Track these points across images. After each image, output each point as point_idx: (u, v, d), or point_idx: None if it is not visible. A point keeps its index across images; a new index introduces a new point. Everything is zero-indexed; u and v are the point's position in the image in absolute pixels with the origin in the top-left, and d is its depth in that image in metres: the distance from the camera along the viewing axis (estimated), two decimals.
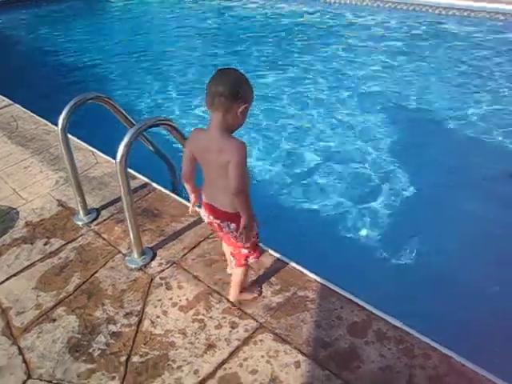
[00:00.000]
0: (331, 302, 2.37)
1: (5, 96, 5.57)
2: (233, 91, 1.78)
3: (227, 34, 10.08)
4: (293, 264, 2.61)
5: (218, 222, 2.06)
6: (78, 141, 4.16)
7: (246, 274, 2.32)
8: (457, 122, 5.62)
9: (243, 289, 2.39)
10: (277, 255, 2.67)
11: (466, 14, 9.19)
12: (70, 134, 4.21)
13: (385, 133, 5.42)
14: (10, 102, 5.35)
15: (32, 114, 4.96)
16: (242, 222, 1.94)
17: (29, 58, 9.52)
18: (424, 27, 9.03)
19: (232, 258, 2.28)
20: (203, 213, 2.11)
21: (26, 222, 3.18)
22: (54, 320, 2.40)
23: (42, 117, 4.85)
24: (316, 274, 2.55)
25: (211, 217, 2.07)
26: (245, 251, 2.16)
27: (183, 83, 7.31)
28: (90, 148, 4.05)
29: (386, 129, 5.52)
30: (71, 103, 2.76)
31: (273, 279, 2.52)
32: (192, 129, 2.02)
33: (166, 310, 2.38)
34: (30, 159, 4.00)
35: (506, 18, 8.88)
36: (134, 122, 3.00)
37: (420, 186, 4.45)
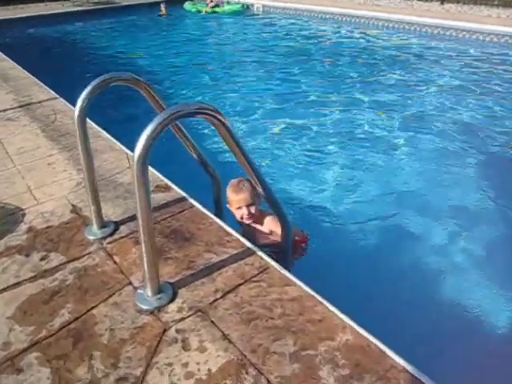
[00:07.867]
0: None
1: (54, 91, 5.16)
2: None
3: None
4: (371, 339, 1.75)
5: None
6: (114, 140, 3.54)
7: None
8: None
9: None
10: (349, 322, 1.83)
11: None
12: (108, 132, 3.64)
13: None
14: (56, 95, 4.91)
15: (73, 108, 4.45)
16: None
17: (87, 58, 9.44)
18: None
19: None
20: None
21: (28, 227, 2.54)
22: (20, 371, 1.68)
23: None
24: (403, 358, 1.69)
25: None
26: None
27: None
28: (126, 150, 3.41)
29: None
30: (95, 82, 2.12)
31: (339, 358, 1.68)
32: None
33: (176, 383, 1.60)
34: (57, 155, 3.42)
35: None
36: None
37: None
